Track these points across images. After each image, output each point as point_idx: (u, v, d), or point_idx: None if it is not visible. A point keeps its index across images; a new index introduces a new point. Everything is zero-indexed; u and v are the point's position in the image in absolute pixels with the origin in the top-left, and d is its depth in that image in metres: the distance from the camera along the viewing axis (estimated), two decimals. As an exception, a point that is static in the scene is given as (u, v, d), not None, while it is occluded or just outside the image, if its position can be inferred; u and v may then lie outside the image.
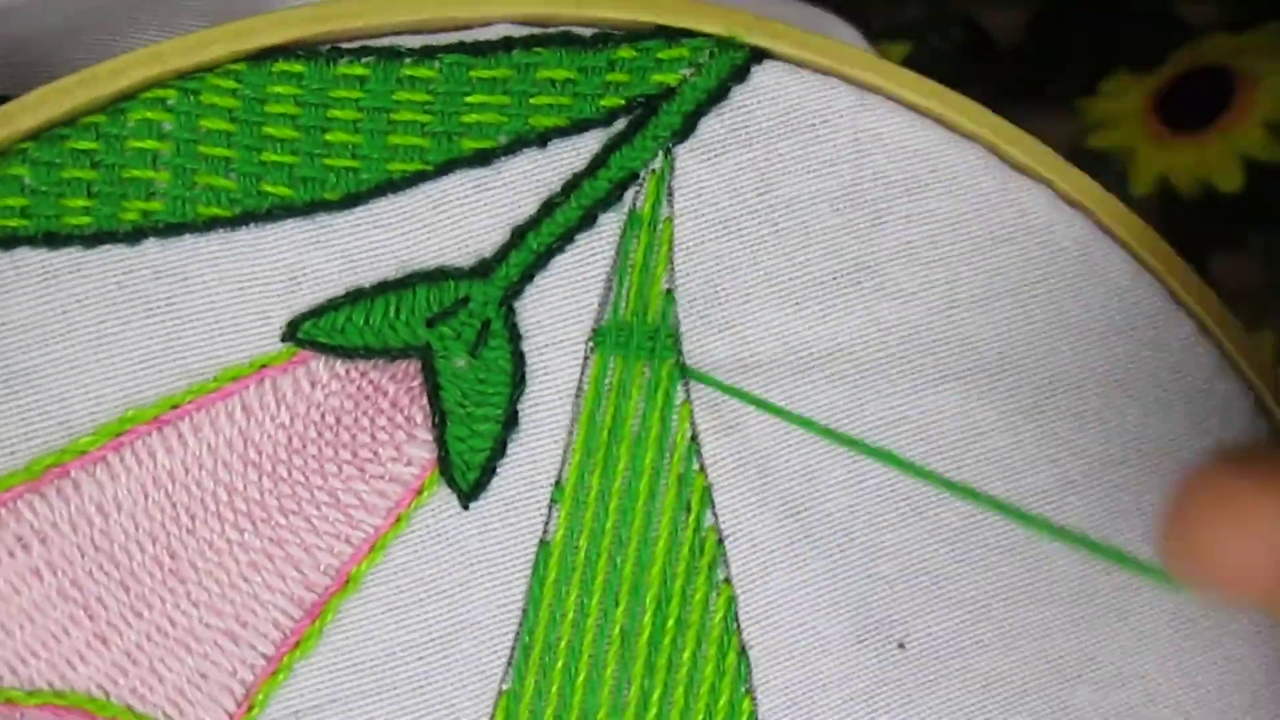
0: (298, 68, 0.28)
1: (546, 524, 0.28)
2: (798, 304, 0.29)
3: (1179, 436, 0.30)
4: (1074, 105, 0.49)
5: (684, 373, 0.29)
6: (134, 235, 0.27)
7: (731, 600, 0.28)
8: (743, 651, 0.28)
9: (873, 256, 0.29)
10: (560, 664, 0.28)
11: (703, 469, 0.29)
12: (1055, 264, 0.30)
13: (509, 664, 0.28)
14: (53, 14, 0.29)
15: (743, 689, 0.28)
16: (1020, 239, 0.30)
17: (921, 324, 0.30)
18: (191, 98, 0.28)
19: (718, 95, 0.29)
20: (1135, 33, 0.47)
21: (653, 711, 0.28)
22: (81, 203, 0.27)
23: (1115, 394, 0.30)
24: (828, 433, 0.29)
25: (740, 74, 0.29)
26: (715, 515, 0.29)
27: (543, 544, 0.28)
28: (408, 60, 0.28)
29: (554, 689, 0.28)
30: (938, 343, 0.30)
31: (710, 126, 0.29)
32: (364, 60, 0.28)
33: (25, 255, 0.27)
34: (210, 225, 0.27)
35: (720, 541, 0.29)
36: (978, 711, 0.29)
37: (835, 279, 0.29)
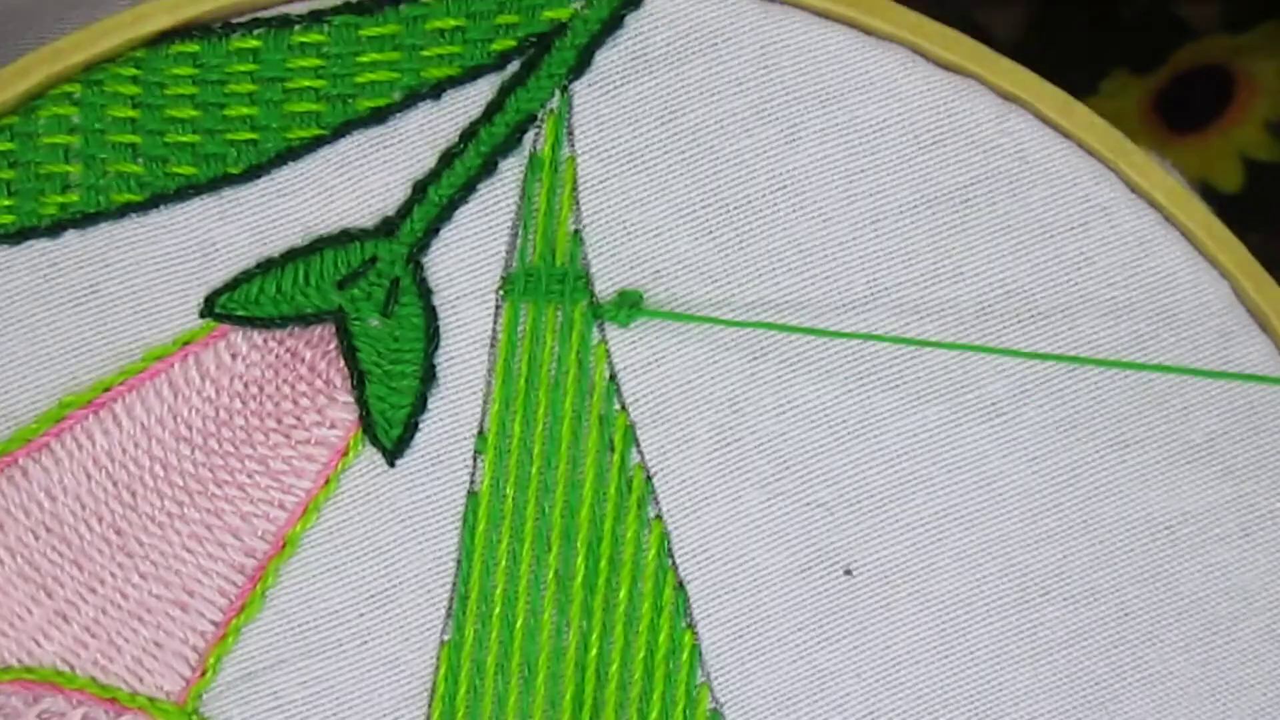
0: (193, 48, 0.28)
1: (473, 475, 0.28)
2: (711, 233, 0.28)
3: (1141, 336, 0.28)
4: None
5: (597, 313, 0.28)
6: (54, 228, 0.28)
7: (664, 536, 0.28)
8: (680, 587, 0.28)
9: (789, 175, 0.28)
10: (497, 611, 0.28)
11: (624, 408, 0.28)
12: (990, 163, 0.28)
13: (448, 615, 0.28)
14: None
15: (683, 624, 0.28)
16: (949, 140, 0.28)
17: (848, 241, 0.28)
18: (95, 89, 0.28)
19: (611, 25, 0.28)
20: (1135, 33, 0.46)
21: (593, 652, 0.28)
22: (4, 202, 0.28)
23: (1065, 296, 0.28)
24: (775, 326, 0.27)
25: (633, 1, 0.28)
26: (641, 453, 0.28)
27: (471, 495, 0.28)
28: (298, 27, 0.28)
29: (493, 637, 0.28)
30: (866, 259, 0.28)
31: (606, 59, 0.28)
32: (255, 32, 0.28)
33: (-43, 257, 0.28)
34: (124, 211, 0.28)
35: (648, 479, 0.28)
36: (936, 635, 0.28)
37: (750, 202, 0.28)
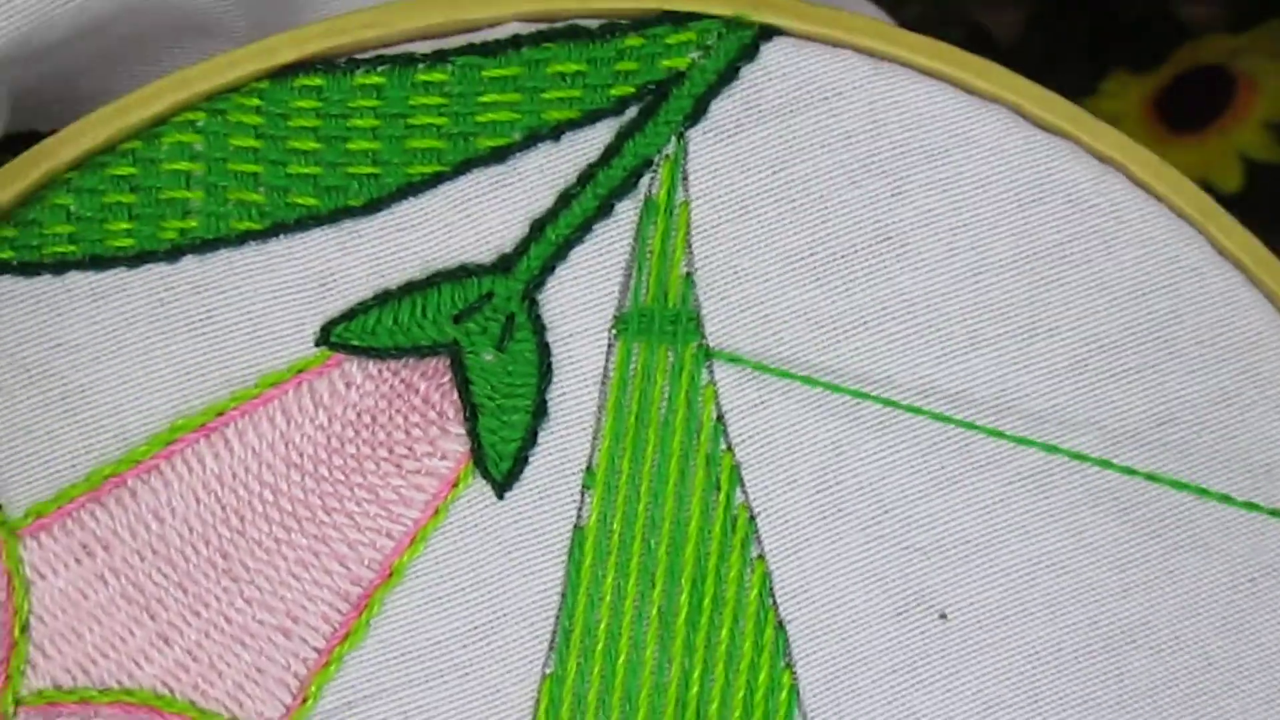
0: (317, 81, 0.28)
1: (580, 509, 0.28)
2: (818, 279, 0.28)
3: (1229, 391, 0.29)
4: (1074, 105, 0.48)
5: (708, 355, 0.28)
6: (173, 253, 0.28)
7: (766, 576, 0.28)
8: (780, 626, 0.28)
9: (894, 227, 0.29)
10: (600, 646, 0.28)
11: (730, 448, 0.28)
12: (1086, 222, 0.29)
13: (550, 648, 0.28)
14: (90, 47, 0.29)
15: (782, 663, 0.28)
16: (1048, 199, 0.29)
17: (949, 292, 0.29)
18: (219, 118, 0.28)
19: (727, 76, 0.28)
20: (1135, 33, 0.45)
21: (694, 689, 0.28)
22: (124, 225, 0.28)
23: (1155, 352, 0.29)
24: (858, 394, 0.28)
25: (749, 53, 0.28)
26: (745, 493, 0.28)
27: (577, 529, 0.28)
28: (421, 66, 0.28)
29: (596, 671, 0.28)
30: (966, 310, 0.29)
31: (722, 108, 0.28)
32: (379, 69, 0.28)
33: (75, 279, 0.28)
34: (243, 239, 0.28)
35: (752, 519, 0.28)
36: (1026, 681, 0.28)
37: (856, 251, 0.28)
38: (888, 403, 0.28)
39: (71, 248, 0.27)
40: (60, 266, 0.27)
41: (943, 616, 0.28)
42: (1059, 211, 0.28)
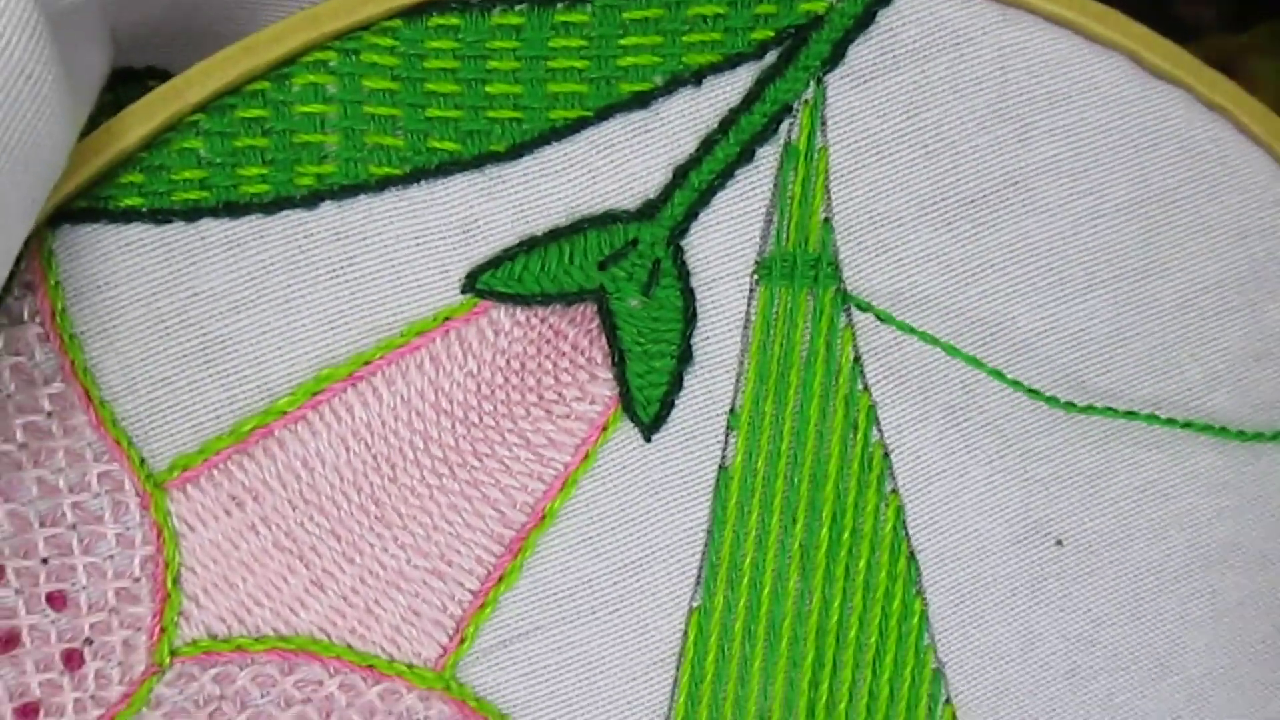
0: (454, 20, 0.23)
1: (724, 450, 0.24)
2: (950, 224, 0.25)
3: None
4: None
5: (845, 299, 0.25)
6: (311, 199, 0.23)
7: (900, 510, 0.25)
8: (912, 556, 0.25)
9: (1020, 172, 0.25)
10: (746, 580, 0.24)
11: (867, 389, 0.25)
12: (1196, 167, 0.26)
13: (697, 583, 0.24)
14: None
15: (914, 591, 0.25)
16: (1162, 145, 0.25)
17: (1069, 235, 0.25)
18: (352, 58, 0.23)
19: (864, 20, 0.24)
20: None
21: (834, 618, 0.25)
22: (257, 170, 0.23)
23: (1255, 292, 0.26)
24: (972, 360, 0.25)
25: (885, -3, 0.24)
26: (880, 431, 0.25)
27: (722, 469, 0.24)
28: (561, 5, 0.23)
29: (741, 603, 0.24)
30: (1085, 252, 0.25)
31: (859, 53, 0.24)
32: (518, 8, 0.23)
33: (209, 226, 0.23)
34: (383, 184, 0.23)
35: (886, 455, 0.25)
36: (1131, 600, 0.26)
37: (985, 197, 0.25)
38: (996, 375, 0.24)
39: (203, 194, 0.23)
40: (193, 214, 0.23)
41: (1059, 543, 0.25)
42: (1172, 157, 0.25)
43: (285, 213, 0.23)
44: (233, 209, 0.23)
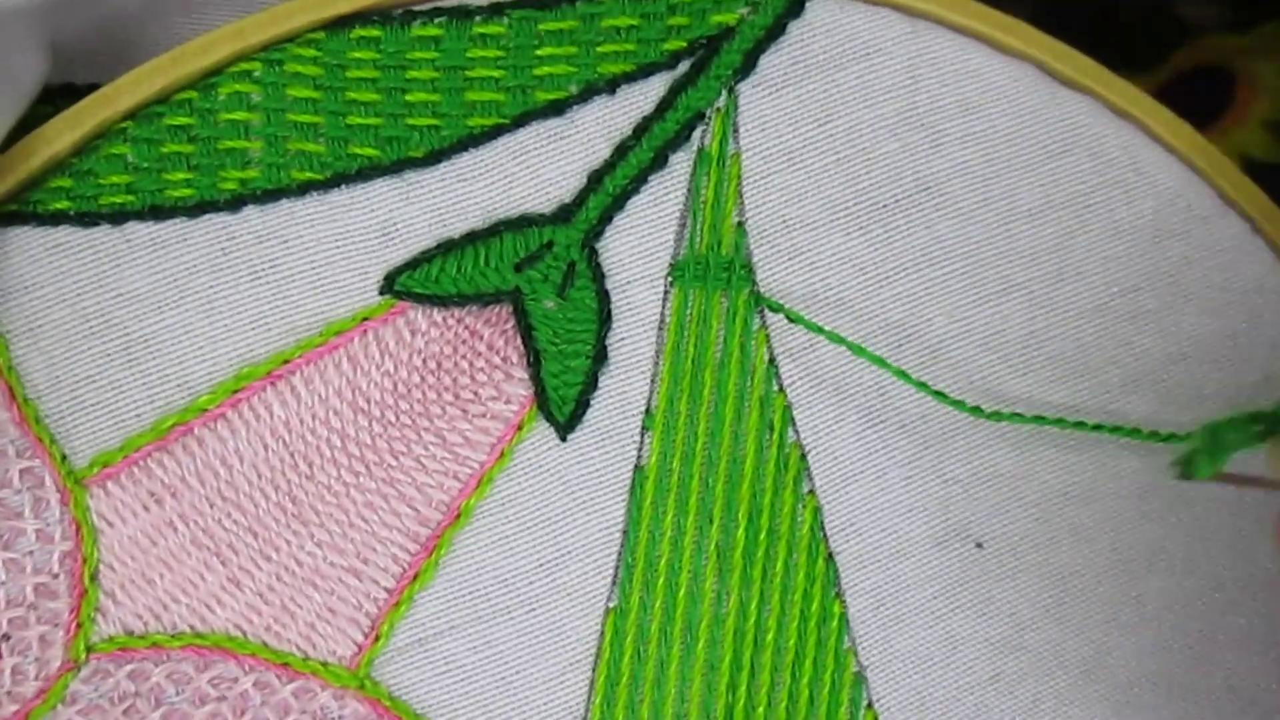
0: (375, 32, 0.24)
1: (640, 450, 0.24)
2: (863, 229, 0.25)
3: (1236, 332, 0.26)
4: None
5: (759, 301, 0.24)
6: (234, 203, 0.23)
7: (817, 510, 0.24)
8: (830, 558, 0.24)
9: (932, 178, 0.25)
10: (662, 580, 0.24)
11: (782, 389, 0.24)
12: (1107, 173, 0.25)
13: (614, 583, 0.24)
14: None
15: (833, 593, 0.24)
16: (1073, 152, 0.25)
17: (983, 240, 0.25)
18: (276, 68, 0.23)
19: (775, 31, 0.24)
20: (1135, 33, 0.38)
21: (751, 620, 0.24)
22: (182, 175, 0.23)
23: (1170, 295, 0.25)
24: (879, 361, 0.24)
25: (795, 9, 0.24)
26: (797, 432, 0.24)
27: (638, 469, 0.24)
28: (478, 18, 0.24)
29: (658, 604, 0.24)
30: (999, 256, 0.25)
31: (770, 63, 0.24)
32: (437, 21, 0.24)
33: (135, 229, 0.23)
34: (305, 189, 0.23)
35: (803, 456, 0.24)
36: (1054, 604, 0.25)
37: (897, 202, 0.25)
38: (901, 376, 0.24)
39: (129, 198, 0.23)
40: (118, 217, 0.23)
41: (979, 545, 0.24)
42: (1082, 164, 0.25)
43: (209, 216, 0.23)
44: (158, 212, 0.23)
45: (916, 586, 0.24)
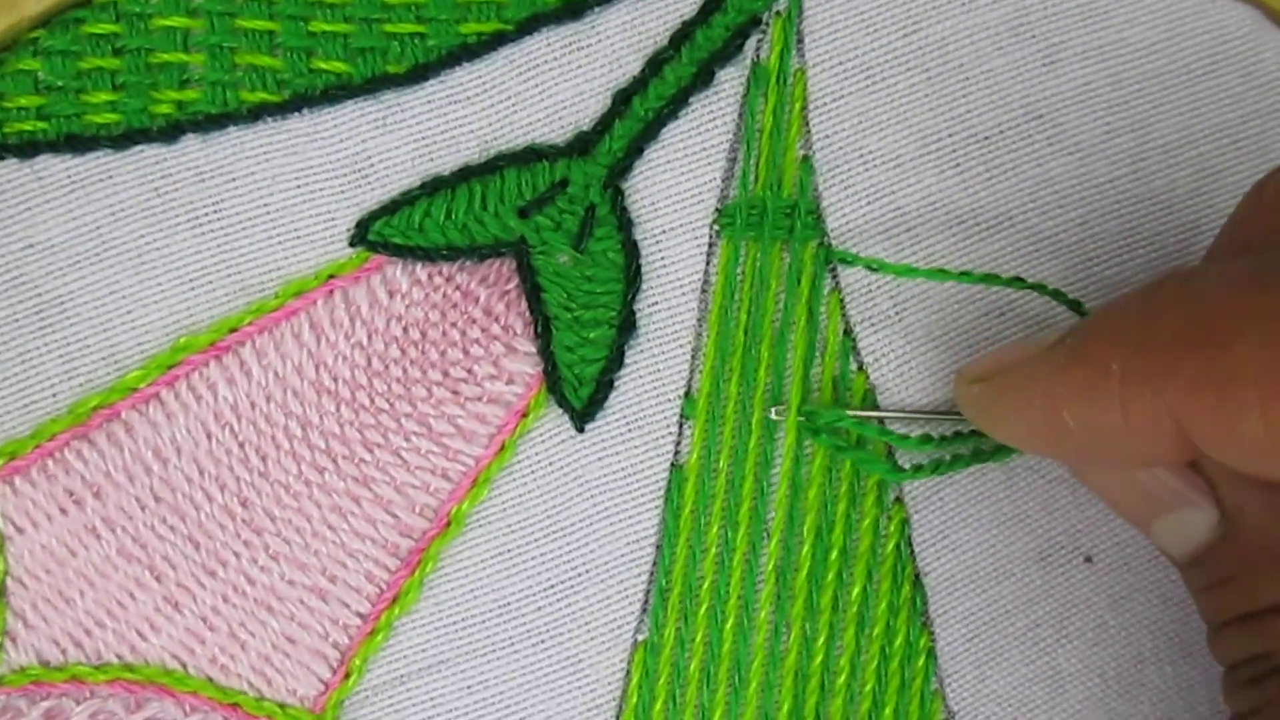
0: (346, -83, 0.16)
1: (678, 444, 0.17)
2: (958, 165, 0.17)
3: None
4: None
5: (830, 255, 0.17)
6: (170, 131, 0.16)
7: (904, 523, 0.17)
8: (918, 580, 0.17)
9: (1045, 103, 0.17)
10: (704, 608, 0.17)
11: (861, 368, 0.17)
12: (1263, 99, 0.18)
13: (643, 611, 0.17)
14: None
15: (919, 623, 0.17)
16: (1222, 70, 0.18)
17: (1105, 182, 0.17)
18: (223, -38, 0.16)
19: (851, -86, 0.17)
20: None
21: (817, 659, 0.17)
22: (106, 97, 0.16)
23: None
24: (1012, 282, 0.17)
25: (877, -113, 0.17)
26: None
27: (675, 468, 0.17)
28: (475, -102, 0.16)
29: (698, 638, 0.17)
30: (1125, 202, 0.18)
31: (844, -46, 0.17)
32: (423, -98, 0.16)
33: (48, 164, 0.16)
34: (257, 114, 0.16)
35: (888, 455, 0.17)
36: (1178, 632, 0.18)
37: (1002, 133, 0.17)
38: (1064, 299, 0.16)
39: (42, 125, 0.16)
40: (28, 149, 0.16)
41: (1088, 560, 0.17)
42: (1234, 85, 0.17)
43: (139, 148, 0.16)
44: (76, 143, 0.16)
45: (1018, 612, 0.17)
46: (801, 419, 0.15)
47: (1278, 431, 0.11)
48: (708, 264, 0.16)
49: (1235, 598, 0.13)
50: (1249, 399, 0.11)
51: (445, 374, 0.16)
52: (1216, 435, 0.12)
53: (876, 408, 0.16)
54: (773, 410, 0.15)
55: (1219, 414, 0.11)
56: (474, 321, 0.16)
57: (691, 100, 0.16)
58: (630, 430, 0.16)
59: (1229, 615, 0.13)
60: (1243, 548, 0.13)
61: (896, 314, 0.17)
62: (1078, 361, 0.13)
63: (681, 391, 0.17)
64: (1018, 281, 0.16)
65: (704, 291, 0.17)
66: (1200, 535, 0.13)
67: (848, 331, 0.17)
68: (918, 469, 0.15)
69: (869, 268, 0.16)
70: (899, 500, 0.17)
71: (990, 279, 0.16)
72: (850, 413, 0.15)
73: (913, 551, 0.17)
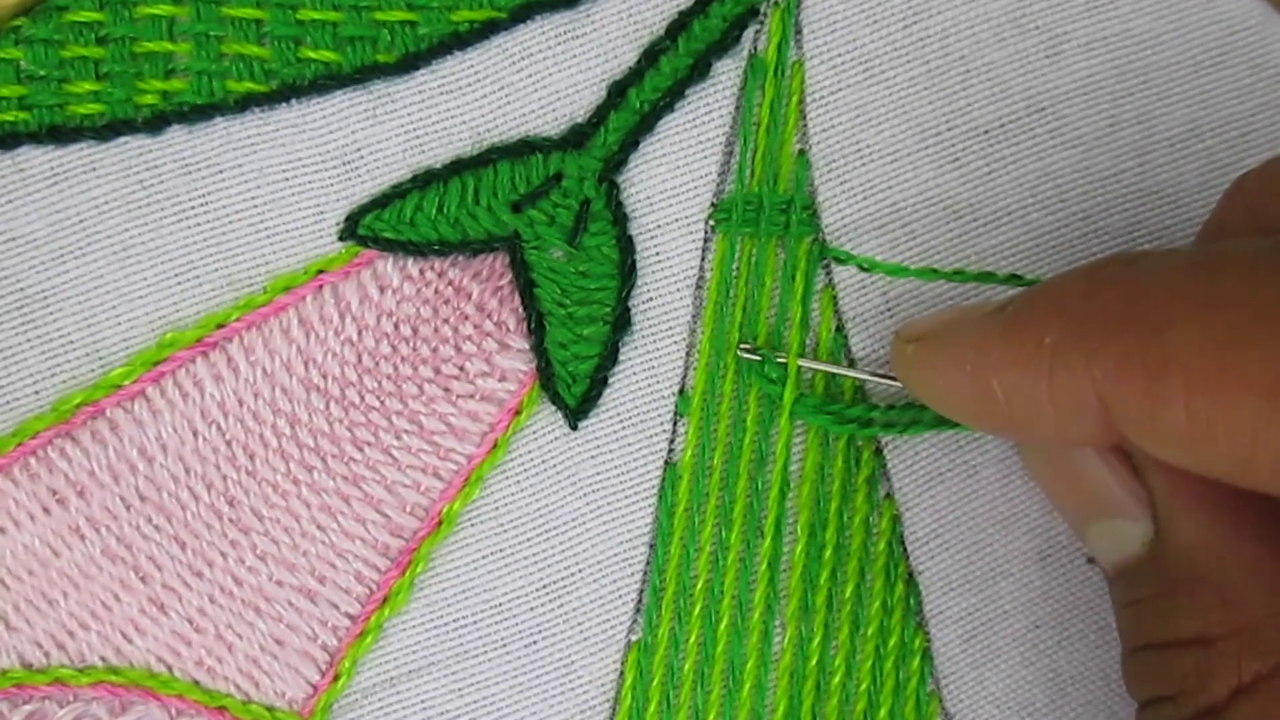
0: (334, -97, 0.16)
1: (671, 442, 0.16)
2: (957, 160, 0.16)
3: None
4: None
5: (824, 251, 0.16)
6: (155, 122, 0.16)
7: (896, 519, 0.16)
8: (911, 579, 0.16)
9: (1047, 95, 0.17)
10: (699, 608, 0.16)
11: (854, 364, 0.16)
12: (1273, 91, 0.17)
13: (637, 610, 0.16)
14: None
15: (914, 623, 0.16)
16: (1230, 61, 0.17)
17: (1109, 176, 0.17)
18: (209, -51, 0.16)
19: (851, -97, 0.16)
20: None
21: (812, 659, 0.16)
22: (90, 87, 0.16)
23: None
24: (1010, 279, 0.16)
25: (878, -125, 0.16)
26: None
27: (669, 466, 0.16)
28: (467, -116, 0.16)
29: (692, 638, 0.16)
30: (1130, 196, 0.17)
31: (844, -56, 0.16)
32: (414, -112, 0.16)
33: (30, 155, 0.15)
34: (244, 104, 0.16)
35: (879, 451, 0.16)
36: (1194, 635, 0.17)
37: (1003, 126, 0.17)
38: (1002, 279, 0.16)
39: (24, 115, 0.15)
40: (10, 140, 0.15)
41: (1090, 560, 0.16)
42: (1242, 78, 0.16)
43: (123, 139, 0.15)
44: (59, 134, 0.15)
45: (1017, 613, 0.16)
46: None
47: (1199, 421, 0.11)
48: (703, 260, 0.16)
49: (1151, 621, 0.12)
50: (1175, 386, 0.11)
51: (437, 371, 0.16)
52: (1139, 419, 0.11)
53: (865, 402, 0.16)
54: (739, 347, 0.14)
55: (1144, 398, 0.11)
56: (466, 318, 0.16)
57: (688, 93, 0.16)
58: (624, 428, 0.16)
59: (1143, 640, 0.12)
60: (1168, 567, 0.12)
61: (889, 311, 0.16)
62: (1012, 330, 0.12)
63: (676, 389, 0.16)
64: (1013, 279, 0.16)
65: (699, 288, 0.16)
66: (1131, 547, 0.13)
67: (839, 328, 0.16)
68: (887, 426, 0.15)
69: (861, 267, 0.16)
70: (889, 496, 0.16)
71: (984, 277, 0.15)
72: (803, 362, 0.14)
73: (905, 550, 0.16)
